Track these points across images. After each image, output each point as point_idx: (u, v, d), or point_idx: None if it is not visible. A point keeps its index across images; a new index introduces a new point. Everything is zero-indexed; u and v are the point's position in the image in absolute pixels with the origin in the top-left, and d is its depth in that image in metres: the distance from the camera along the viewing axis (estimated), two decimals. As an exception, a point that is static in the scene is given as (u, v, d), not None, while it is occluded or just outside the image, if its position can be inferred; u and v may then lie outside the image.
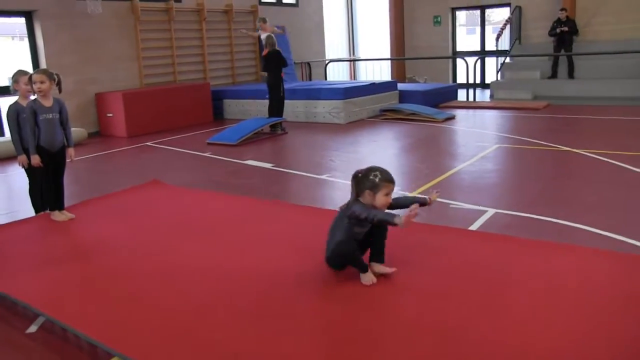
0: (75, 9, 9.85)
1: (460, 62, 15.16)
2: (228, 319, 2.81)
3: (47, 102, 4.51)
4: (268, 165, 6.96)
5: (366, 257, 3.23)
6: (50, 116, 4.51)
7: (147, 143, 9.26)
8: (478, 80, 15.84)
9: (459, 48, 16.82)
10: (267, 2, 14.27)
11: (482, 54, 15.56)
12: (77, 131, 9.51)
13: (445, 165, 6.57)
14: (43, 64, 9.51)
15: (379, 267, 3.19)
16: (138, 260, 3.67)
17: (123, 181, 6.31)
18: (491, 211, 4.66)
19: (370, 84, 11.04)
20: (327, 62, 14.49)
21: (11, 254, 3.94)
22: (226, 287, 3.19)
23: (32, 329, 3.06)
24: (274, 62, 9.31)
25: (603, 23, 13.81)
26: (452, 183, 5.78)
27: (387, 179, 3.06)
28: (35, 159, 4.49)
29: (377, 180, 3.04)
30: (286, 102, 9.91)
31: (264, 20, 10.19)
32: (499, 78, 14.40)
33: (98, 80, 10.42)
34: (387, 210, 3.09)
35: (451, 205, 4.88)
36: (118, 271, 3.52)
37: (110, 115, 10.20)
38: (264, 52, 9.44)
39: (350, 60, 17.34)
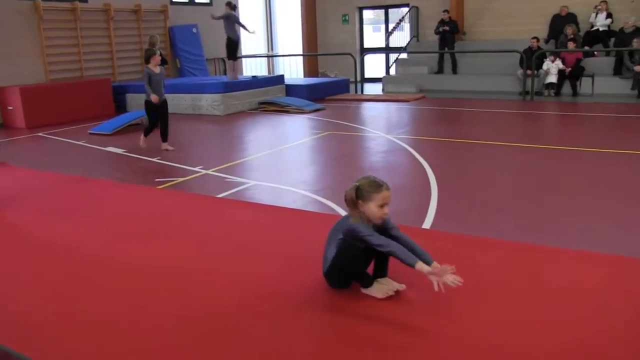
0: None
1: (367, 57, 16.43)
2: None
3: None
4: (120, 151, 7.99)
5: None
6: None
7: (40, 134, 10.21)
8: (380, 75, 17.09)
9: (366, 44, 17.97)
10: (178, 2, 15.20)
11: (386, 50, 16.71)
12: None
13: (259, 148, 7.75)
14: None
15: (386, 282, 3.02)
16: None
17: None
18: (252, 183, 5.81)
19: (252, 78, 12.14)
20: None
21: None
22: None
23: None
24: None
25: (486, 25, 15.05)
26: (249, 163, 6.92)
27: (376, 185, 2.81)
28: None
29: (365, 187, 2.81)
30: (178, 95, 10.97)
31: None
32: (392, 73, 15.59)
33: (1, 75, 11.31)
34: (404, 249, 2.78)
35: (226, 179, 6.01)
36: None
37: (11, 108, 11.13)
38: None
39: (266, 56, 18.39)
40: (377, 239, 2.75)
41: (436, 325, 2.69)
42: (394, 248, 2.74)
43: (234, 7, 11.92)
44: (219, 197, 5.29)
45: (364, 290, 3.00)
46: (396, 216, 3.76)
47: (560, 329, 2.63)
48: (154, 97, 7.58)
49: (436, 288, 2.65)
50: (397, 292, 2.95)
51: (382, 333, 2.64)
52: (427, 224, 4.34)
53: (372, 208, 2.78)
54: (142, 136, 8.01)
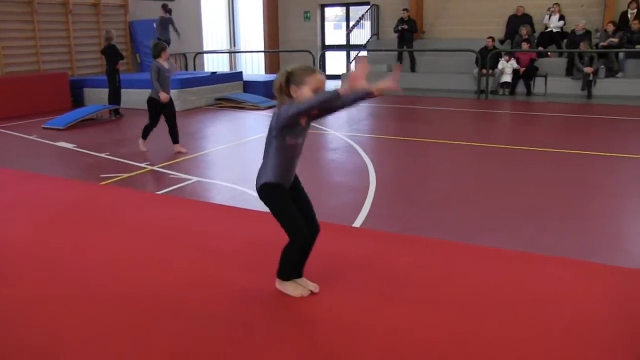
0: None
1: (328, 54, 16.49)
2: None
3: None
4: (70, 146, 7.95)
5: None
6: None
7: (-9, 128, 10.08)
8: (341, 72, 17.15)
9: (328, 42, 18.07)
10: (140, -5, 15.06)
11: (347, 47, 16.78)
12: None
13: (209, 144, 7.80)
14: None
15: (302, 282, 3.03)
16: None
17: None
18: (195, 179, 5.86)
19: (210, 74, 12.17)
20: (195, 54, 15.46)
21: None
22: None
23: None
24: (109, 55, 10.32)
25: (445, 24, 15.29)
26: (196, 159, 6.97)
27: (309, 69, 2.70)
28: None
29: (297, 71, 2.67)
30: (135, 90, 10.96)
31: None
32: (352, 70, 15.68)
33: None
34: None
35: (170, 175, 6.05)
36: None
37: (-39, 101, 10.95)
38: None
39: (228, 52, 18.33)
40: (295, 107, 2.59)
41: (352, 325, 2.76)
42: (312, 99, 2.59)
43: (169, 10, 11.98)
44: (157, 194, 5.33)
45: (279, 286, 3.05)
46: (328, 214, 3.87)
47: (480, 325, 2.75)
48: (163, 96, 6.85)
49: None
50: (311, 292, 3.02)
51: (306, 330, 2.74)
52: (358, 222, 4.44)
53: (305, 93, 2.62)
54: (140, 139, 7.30)
